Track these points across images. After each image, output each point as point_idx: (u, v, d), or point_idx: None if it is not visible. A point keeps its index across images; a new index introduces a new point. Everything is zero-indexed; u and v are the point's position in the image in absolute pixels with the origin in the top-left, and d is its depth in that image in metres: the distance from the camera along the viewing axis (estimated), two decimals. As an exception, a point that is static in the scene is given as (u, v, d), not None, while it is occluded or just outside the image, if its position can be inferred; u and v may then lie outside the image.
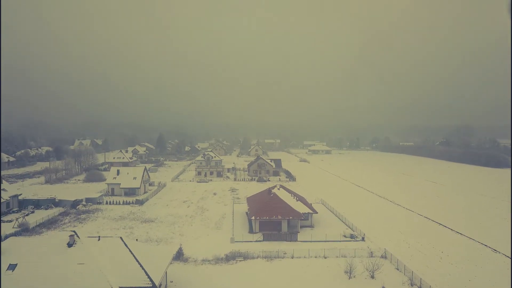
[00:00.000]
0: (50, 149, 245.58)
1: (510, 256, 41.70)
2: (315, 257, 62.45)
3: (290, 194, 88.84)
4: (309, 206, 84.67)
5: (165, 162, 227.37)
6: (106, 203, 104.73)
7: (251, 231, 77.45)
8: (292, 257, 62.16)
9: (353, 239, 72.98)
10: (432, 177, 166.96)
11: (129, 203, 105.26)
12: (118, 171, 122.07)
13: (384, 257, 62.13)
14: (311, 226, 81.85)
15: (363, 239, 72.88)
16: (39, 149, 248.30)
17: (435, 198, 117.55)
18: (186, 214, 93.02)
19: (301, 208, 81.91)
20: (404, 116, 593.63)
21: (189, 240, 72.14)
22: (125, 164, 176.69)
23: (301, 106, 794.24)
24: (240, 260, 60.71)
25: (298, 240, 72.09)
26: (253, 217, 76.07)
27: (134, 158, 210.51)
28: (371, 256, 62.45)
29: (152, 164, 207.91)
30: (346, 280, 53.41)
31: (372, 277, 53.87)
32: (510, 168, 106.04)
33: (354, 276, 54.03)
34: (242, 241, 70.75)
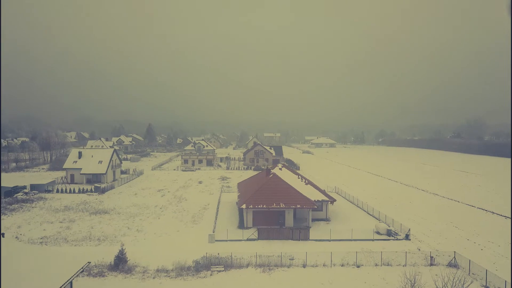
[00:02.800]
0: (27, 139, 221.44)
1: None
2: (341, 265, 38.63)
3: (297, 176, 64.91)
4: (323, 192, 60.73)
5: (151, 153, 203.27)
6: (57, 191, 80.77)
7: (241, 226, 53.71)
8: (304, 265, 38.31)
9: (393, 237, 49.11)
10: (460, 167, 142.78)
11: (86, 191, 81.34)
12: (79, 153, 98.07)
13: (454, 265, 38.27)
14: (327, 220, 58.02)
15: (407, 237, 48.99)
16: (14, 139, 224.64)
17: (476, 188, 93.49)
18: (157, 205, 69.17)
19: (312, 194, 58.10)
20: (408, 115, 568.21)
21: (147, 239, 48.44)
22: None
23: (303, 105, 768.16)
24: (219, 271, 36.90)
25: (310, 238, 48.30)
26: (243, 205, 52.19)
27: (117, 147, 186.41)
28: (432, 265, 38.70)
29: (134, 154, 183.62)
30: (406, 310, 29.58)
31: (451, 303, 30.01)
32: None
33: (418, 302, 30.20)
34: (226, 240, 47.02)
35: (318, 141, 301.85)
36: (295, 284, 33.82)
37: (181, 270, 36.75)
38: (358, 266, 38.26)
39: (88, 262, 28.67)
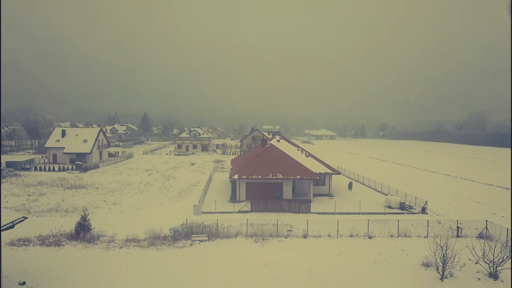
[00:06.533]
0: (18, 127, 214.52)
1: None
2: (350, 236, 32.02)
3: (297, 148, 58.30)
4: (326, 164, 54.07)
5: (146, 142, 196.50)
6: (36, 169, 74.10)
7: (233, 199, 47.10)
8: (305, 236, 31.69)
9: (407, 211, 42.54)
10: (467, 155, 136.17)
11: (67, 170, 74.71)
12: (63, 132, 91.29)
13: (486, 237, 31.62)
14: (330, 195, 51.44)
15: (424, 210, 42.42)
16: (5, 127, 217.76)
17: (490, 170, 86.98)
18: (141, 182, 62.59)
19: (314, 166, 51.49)
20: (409, 112, 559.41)
21: (123, 211, 41.91)
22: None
23: (303, 100, 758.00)
24: (202, 241, 30.30)
25: (311, 211, 41.73)
26: (236, 176, 45.52)
27: (109, 135, 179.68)
28: (459, 236, 32.12)
29: (128, 142, 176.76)
30: (437, 282, 22.98)
31: (493, 276, 23.45)
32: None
33: (451, 275, 23.61)
34: (214, 212, 40.44)
35: (318, 133, 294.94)
36: (294, 256, 27.25)
37: (155, 240, 30.18)
38: (370, 237, 31.68)
39: (24, 217, 22.02)
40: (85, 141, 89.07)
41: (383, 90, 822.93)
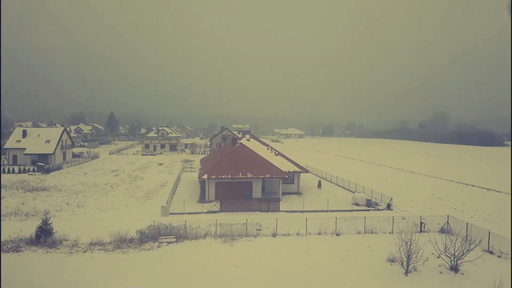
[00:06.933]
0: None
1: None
2: (318, 233, 32.39)
3: (266, 147, 58.49)
4: (295, 163, 54.51)
5: (112, 142, 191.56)
6: (-7, 171, 70.57)
7: (202, 199, 46.59)
8: (274, 235, 31.77)
9: (373, 208, 43.53)
10: (431, 152, 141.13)
11: (28, 171, 71.67)
12: (24, 132, 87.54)
13: (447, 231, 32.83)
14: (299, 193, 51.91)
15: (389, 207, 43.57)
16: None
17: (452, 166, 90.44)
18: (107, 183, 60.90)
19: (283, 164, 51.80)
20: (374, 111, 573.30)
21: (88, 214, 40.56)
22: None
23: (272, 101, 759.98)
24: (170, 242, 29.78)
25: (280, 210, 41.91)
26: (205, 176, 45.06)
27: (74, 134, 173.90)
28: (422, 231, 33.18)
29: (93, 142, 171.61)
30: (401, 277, 23.59)
31: (454, 269, 24.34)
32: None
33: (414, 269, 24.31)
34: (183, 213, 39.86)
35: (287, 132, 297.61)
36: (263, 255, 27.24)
37: (121, 242, 29.37)
38: (338, 235, 32.16)
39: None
40: (48, 141, 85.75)
41: (350, 90, 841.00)
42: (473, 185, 61.55)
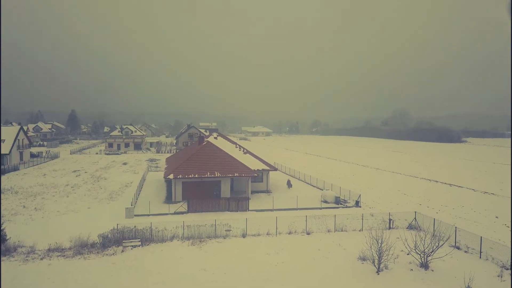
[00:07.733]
0: None
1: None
2: (289, 233, 31.92)
3: (235, 145, 57.64)
4: (263, 161, 54.01)
5: (74, 141, 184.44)
6: None
7: (169, 200, 45.12)
8: (244, 235, 31.02)
9: (342, 205, 43.69)
10: (393, 149, 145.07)
11: (-20, 173, 67.24)
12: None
13: (415, 227, 33.28)
14: (268, 192, 51.46)
15: (357, 203, 43.87)
16: None
17: (413, 163, 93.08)
18: (68, 184, 58.05)
19: (252, 163, 51.13)
20: (339, 110, 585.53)
21: (46, 217, 38.25)
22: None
23: (239, 99, 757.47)
24: (135, 246, 28.36)
25: (250, 209, 41.21)
26: (171, 175, 43.64)
27: (32, 133, 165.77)
28: (391, 228, 33.45)
29: (53, 142, 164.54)
30: (374, 276, 23.45)
31: (424, 266, 24.49)
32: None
33: (386, 267, 24.27)
34: (148, 215, 38.38)
35: (255, 130, 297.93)
36: (233, 257, 26.42)
37: (82, 248, 27.67)
38: (308, 233, 31.82)
39: None
40: (3, 141, 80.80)
41: (315, 89, 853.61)
42: (436, 181, 63.38)
